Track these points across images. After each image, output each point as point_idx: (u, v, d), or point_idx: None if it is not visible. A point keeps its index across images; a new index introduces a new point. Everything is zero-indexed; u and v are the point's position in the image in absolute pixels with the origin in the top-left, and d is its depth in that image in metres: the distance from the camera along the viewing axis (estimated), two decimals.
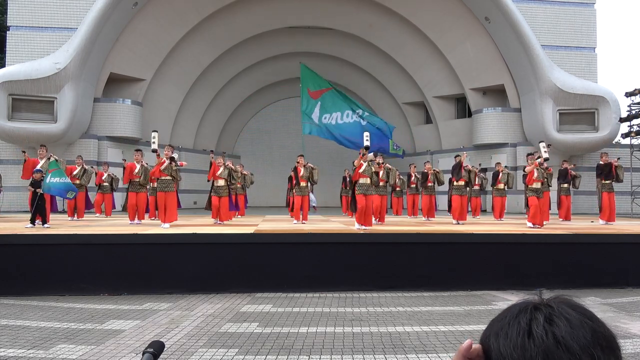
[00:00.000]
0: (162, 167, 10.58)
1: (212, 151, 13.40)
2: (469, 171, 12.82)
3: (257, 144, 29.66)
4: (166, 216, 10.50)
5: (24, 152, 11.78)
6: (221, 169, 11.67)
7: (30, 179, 10.53)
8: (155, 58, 21.29)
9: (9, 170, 17.50)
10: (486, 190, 18.38)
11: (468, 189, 13.59)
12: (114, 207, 15.40)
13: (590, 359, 0.69)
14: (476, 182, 15.69)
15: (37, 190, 10.14)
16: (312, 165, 12.83)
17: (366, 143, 10.80)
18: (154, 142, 10.60)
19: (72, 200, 12.01)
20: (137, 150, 12.67)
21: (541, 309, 0.76)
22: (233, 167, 12.35)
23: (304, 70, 20.00)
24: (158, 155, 10.69)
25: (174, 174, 10.67)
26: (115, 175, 15.02)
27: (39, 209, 10.12)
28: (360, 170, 10.33)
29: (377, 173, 10.85)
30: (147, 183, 12.37)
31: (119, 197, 17.27)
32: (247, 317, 6.14)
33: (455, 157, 12.92)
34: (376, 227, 10.48)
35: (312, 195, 18.34)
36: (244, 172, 15.74)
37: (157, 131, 10.93)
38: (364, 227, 10.10)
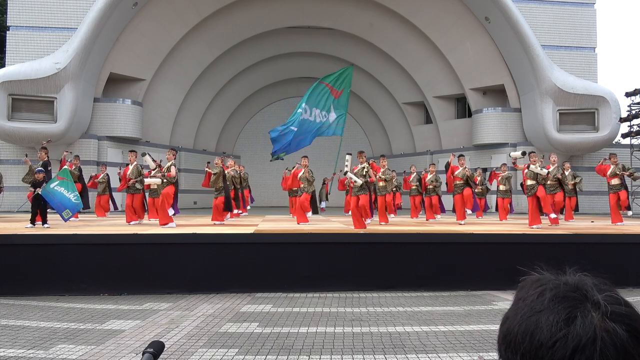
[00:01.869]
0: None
1: (208, 162, 13.51)
2: (466, 176, 12.79)
3: (257, 144, 29.64)
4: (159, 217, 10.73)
5: (26, 155, 11.74)
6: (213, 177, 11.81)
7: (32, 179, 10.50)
8: (155, 58, 21.29)
9: (9, 170, 17.51)
10: (488, 190, 18.30)
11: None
12: (115, 208, 15.42)
13: None
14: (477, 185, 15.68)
15: (38, 190, 10.11)
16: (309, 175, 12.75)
17: (346, 169, 10.98)
18: (152, 162, 10.89)
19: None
20: (131, 151, 12.69)
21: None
22: (232, 171, 12.44)
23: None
24: (160, 166, 10.97)
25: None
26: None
27: (41, 209, 10.12)
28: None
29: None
30: (141, 183, 12.34)
31: (118, 198, 17.27)
32: (247, 317, 6.14)
33: (459, 157, 12.94)
34: (376, 227, 10.48)
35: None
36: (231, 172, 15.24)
37: (145, 153, 11.20)
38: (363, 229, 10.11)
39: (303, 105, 13.99)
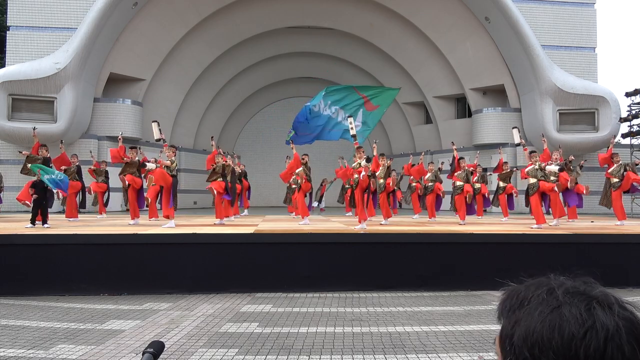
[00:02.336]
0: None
1: (212, 137, 13.57)
2: (466, 170, 12.80)
3: (257, 143, 29.67)
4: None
5: (20, 152, 11.81)
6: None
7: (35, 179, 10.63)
8: (155, 58, 21.30)
9: (9, 170, 17.50)
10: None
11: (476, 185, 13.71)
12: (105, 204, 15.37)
13: None
14: (474, 180, 15.71)
15: (35, 195, 10.17)
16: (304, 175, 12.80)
17: (352, 132, 10.83)
18: (158, 132, 10.87)
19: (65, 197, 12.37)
20: (132, 147, 12.67)
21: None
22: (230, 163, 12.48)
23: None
24: (164, 140, 11.03)
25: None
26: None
27: (42, 209, 10.17)
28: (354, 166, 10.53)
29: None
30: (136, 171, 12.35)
31: (118, 198, 17.27)
32: (247, 317, 6.14)
33: (460, 159, 12.97)
34: (376, 227, 10.48)
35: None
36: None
37: (156, 121, 11.19)
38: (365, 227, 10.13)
39: (321, 99, 13.83)
